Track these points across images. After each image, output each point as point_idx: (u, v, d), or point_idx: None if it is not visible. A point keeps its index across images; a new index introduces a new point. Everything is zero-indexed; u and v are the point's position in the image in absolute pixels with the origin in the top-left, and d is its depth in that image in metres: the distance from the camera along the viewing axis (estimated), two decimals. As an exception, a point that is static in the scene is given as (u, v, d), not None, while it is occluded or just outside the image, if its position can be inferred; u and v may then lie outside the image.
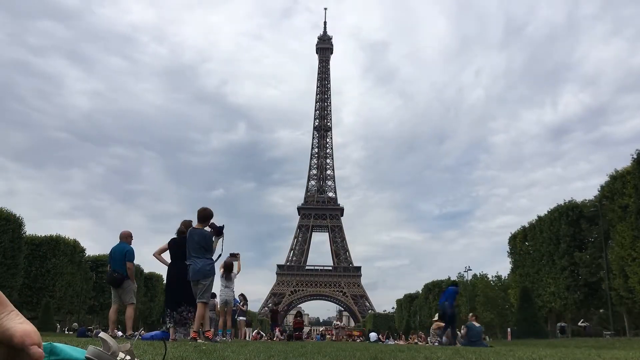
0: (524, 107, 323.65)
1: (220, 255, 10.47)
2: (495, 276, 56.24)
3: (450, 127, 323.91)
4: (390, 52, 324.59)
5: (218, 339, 11.38)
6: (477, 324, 17.28)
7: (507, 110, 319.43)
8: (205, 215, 10.18)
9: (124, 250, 11.92)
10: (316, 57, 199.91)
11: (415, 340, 32.72)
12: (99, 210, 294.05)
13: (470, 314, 19.09)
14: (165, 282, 12.26)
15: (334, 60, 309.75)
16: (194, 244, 9.92)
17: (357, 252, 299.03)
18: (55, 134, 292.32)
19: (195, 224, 10.30)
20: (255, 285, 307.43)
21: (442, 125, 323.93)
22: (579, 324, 40.83)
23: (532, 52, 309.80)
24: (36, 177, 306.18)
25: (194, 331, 10.15)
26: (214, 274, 10.15)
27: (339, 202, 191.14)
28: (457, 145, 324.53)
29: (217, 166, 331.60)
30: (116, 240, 12.19)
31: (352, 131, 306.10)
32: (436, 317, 18.91)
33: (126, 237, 12.24)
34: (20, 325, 1.39)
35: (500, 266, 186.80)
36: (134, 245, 12.25)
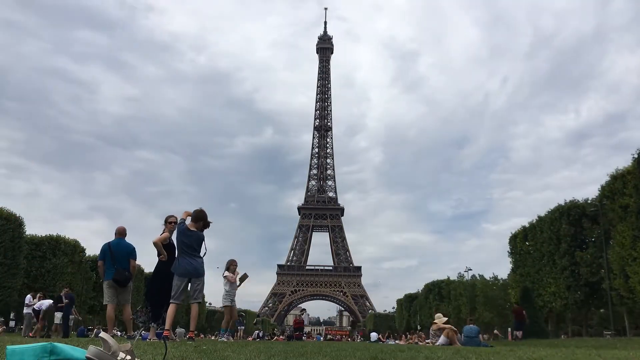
0: (546, 113, 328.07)
1: (205, 253, 10.49)
2: (493, 277, 56.20)
3: (472, 132, 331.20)
4: (420, 61, 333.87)
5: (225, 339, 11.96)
6: (472, 325, 17.83)
7: (529, 116, 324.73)
8: (201, 216, 10.27)
9: (129, 249, 11.47)
10: (346, 63, 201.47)
11: (415, 340, 32.72)
12: (118, 212, 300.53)
13: (469, 318, 20.02)
14: (151, 277, 11.81)
15: (363, 68, 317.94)
16: (189, 243, 9.99)
17: (367, 253, 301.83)
18: (83, 138, 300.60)
19: (188, 222, 10.26)
20: (258, 286, 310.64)
21: (464, 131, 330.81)
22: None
23: (558, 61, 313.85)
24: (59, 179, 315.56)
25: (191, 331, 10.24)
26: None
27: (339, 202, 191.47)
28: (477, 150, 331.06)
29: (240, 169, 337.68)
30: (135, 242, 11.61)
31: (375, 136, 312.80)
32: (436, 319, 18.92)
33: (122, 233, 11.72)
34: None
35: (506, 267, 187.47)
36: (138, 242, 11.93)
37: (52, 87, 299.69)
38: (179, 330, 36.25)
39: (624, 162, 31.26)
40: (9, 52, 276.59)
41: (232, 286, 14.37)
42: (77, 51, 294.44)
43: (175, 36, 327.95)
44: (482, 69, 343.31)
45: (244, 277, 14.63)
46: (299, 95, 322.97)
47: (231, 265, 14.54)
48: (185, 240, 10.04)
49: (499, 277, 54.75)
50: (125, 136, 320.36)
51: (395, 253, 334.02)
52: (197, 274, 9.99)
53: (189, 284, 10.03)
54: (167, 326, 9.90)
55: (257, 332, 43.08)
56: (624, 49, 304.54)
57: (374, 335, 36.23)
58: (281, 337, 34.86)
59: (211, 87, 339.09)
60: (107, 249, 11.39)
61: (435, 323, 18.48)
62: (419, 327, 64.29)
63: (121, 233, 11.68)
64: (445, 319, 18.73)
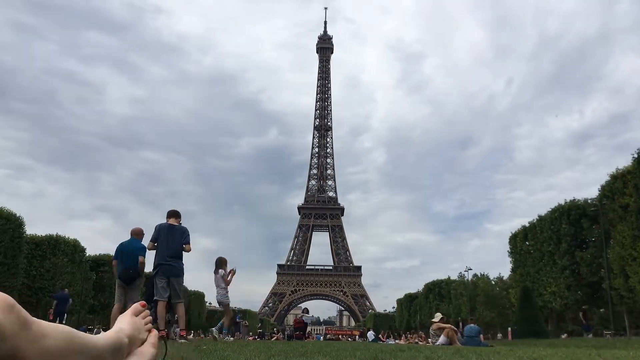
0: (550, 114, 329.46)
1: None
2: (497, 277, 56.19)
3: (476, 133, 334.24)
4: (426, 62, 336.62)
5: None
6: (473, 325, 17.63)
7: (533, 117, 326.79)
8: (177, 212, 10.55)
9: (137, 247, 11.67)
10: (353, 64, 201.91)
11: (416, 340, 32.71)
12: (122, 212, 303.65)
13: (470, 318, 19.96)
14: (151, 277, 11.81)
15: (369, 69, 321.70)
16: (174, 241, 10.00)
17: (369, 253, 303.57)
18: (89, 139, 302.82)
19: (170, 221, 10.31)
20: (258, 286, 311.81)
21: (468, 132, 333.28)
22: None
23: (563, 63, 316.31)
24: (65, 180, 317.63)
25: (182, 329, 10.55)
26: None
27: (340, 202, 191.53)
28: (481, 151, 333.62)
29: (245, 170, 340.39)
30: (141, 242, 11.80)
31: (379, 137, 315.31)
32: (435, 318, 18.92)
33: (138, 234, 12.01)
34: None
35: (508, 267, 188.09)
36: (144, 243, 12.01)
37: (59, 88, 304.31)
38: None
39: (626, 163, 31.26)
40: (18, 53, 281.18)
41: (225, 284, 14.26)
42: (84, 53, 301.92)
43: (182, 37, 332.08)
44: (487, 70, 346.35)
45: (233, 272, 14.41)
46: (304, 96, 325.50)
47: (224, 264, 14.22)
48: (169, 238, 10.03)
49: (503, 278, 54.80)
50: (131, 137, 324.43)
51: (398, 253, 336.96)
52: (180, 274, 10.02)
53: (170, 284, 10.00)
54: (161, 326, 9.92)
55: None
56: (628, 50, 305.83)
57: (370, 335, 36.01)
58: (279, 335, 34.79)
59: (217, 88, 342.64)
60: (119, 248, 11.66)
61: (435, 322, 18.51)
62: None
63: (137, 234, 11.95)
64: (440, 316, 18.81)
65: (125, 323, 1.67)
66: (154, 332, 1.72)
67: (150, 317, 1.76)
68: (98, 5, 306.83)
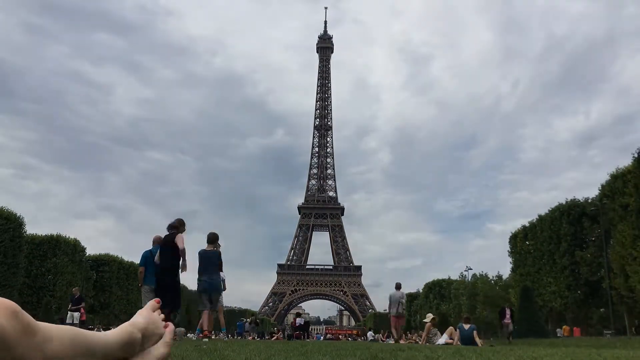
0: (555, 115, 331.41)
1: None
2: (497, 276, 56.17)
3: (482, 134, 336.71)
4: (433, 64, 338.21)
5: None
6: (466, 327, 16.55)
7: (539, 118, 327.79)
8: (213, 238, 12.48)
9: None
10: (360, 65, 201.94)
11: (415, 339, 32.71)
12: (126, 212, 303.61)
13: (465, 316, 19.26)
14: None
15: (376, 70, 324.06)
16: (207, 263, 12.10)
17: (372, 253, 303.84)
18: (97, 139, 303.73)
19: (205, 246, 12.37)
20: (258, 285, 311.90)
21: (474, 133, 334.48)
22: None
23: (570, 64, 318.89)
24: (71, 179, 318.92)
25: (208, 331, 12.40)
26: (224, 289, 13.29)
27: (343, 202, 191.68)
28: (485, 151, 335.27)
29: (250, 170, 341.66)
30: (145, 241, 12.12)
31: (384, 137, 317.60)
32: (426, 319, 19.13)
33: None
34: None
35: (509, 267, 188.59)
36: (149, 242, 12.45)
37: (68, 89, 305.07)
38: (179, 329, 36.21)
39: (628, 163, 31.16)
40: (28, 54, 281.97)
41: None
42: (95, 54, 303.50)
43: (193, 39, 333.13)
44: (494, 71, 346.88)
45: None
46: (311, 97, 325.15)
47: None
48: (204, 260, 12.13)
49: (503, 277, 54.77)
50: (138, 137, 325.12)
51: (400, 253, 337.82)
52: (216, 291, 12.25)
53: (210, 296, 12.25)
54: (210, 328, 12.68)
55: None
56: (634, 53, 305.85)
57: (369, 334, 36.05)
58: (279, 335, 34.81)
59: (225, 89, 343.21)
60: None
61: (428, 322, 18.73)
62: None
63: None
64: (432, 317, 18.98)
65: (142, 317, 1.64)
66: (170, 328, 1.70)
67: (163, 315, 1.77)
68: (109, 7, 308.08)
